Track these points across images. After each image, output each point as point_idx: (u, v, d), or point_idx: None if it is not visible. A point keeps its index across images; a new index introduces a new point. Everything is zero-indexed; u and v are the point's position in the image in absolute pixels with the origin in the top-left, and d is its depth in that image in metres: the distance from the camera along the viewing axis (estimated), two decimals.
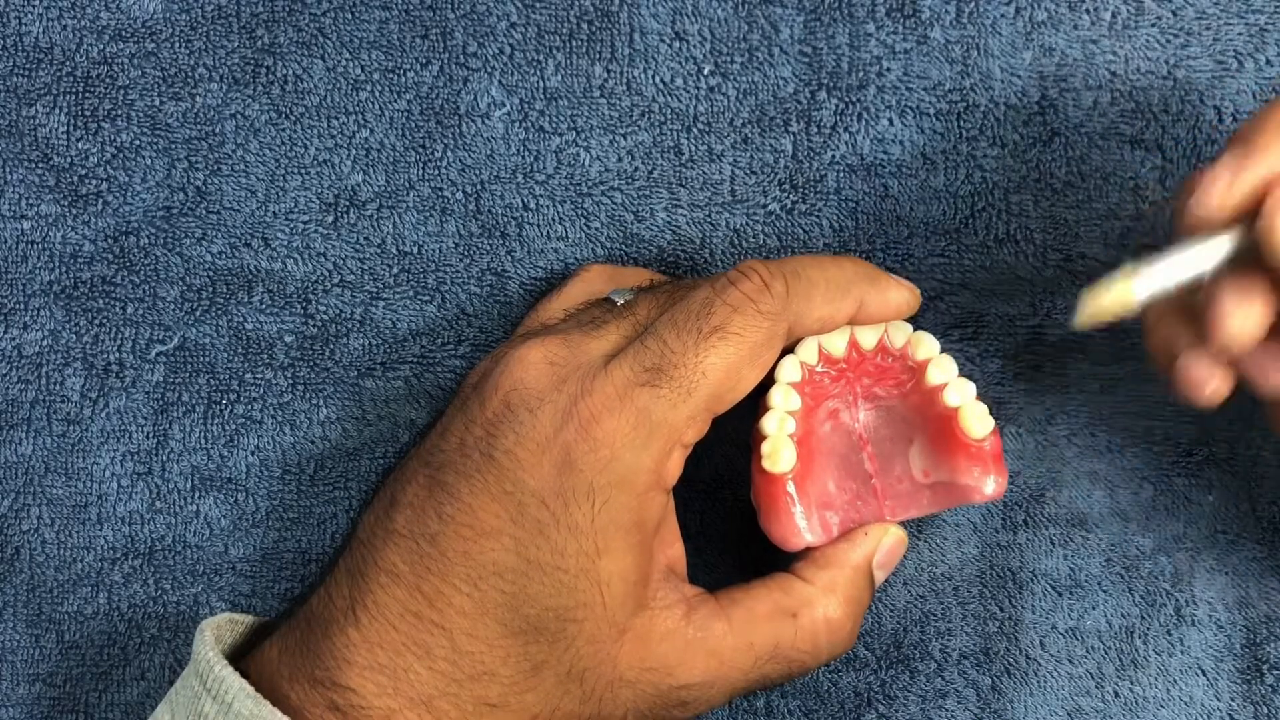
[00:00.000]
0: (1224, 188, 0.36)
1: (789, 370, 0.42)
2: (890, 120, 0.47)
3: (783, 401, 0.42)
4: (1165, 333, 0.40)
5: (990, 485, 0.42)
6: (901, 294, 0.42)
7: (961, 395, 0.42)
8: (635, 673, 0.39)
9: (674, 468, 0.39)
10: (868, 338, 0.43)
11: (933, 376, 0.42)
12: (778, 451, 0.42)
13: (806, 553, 0.43)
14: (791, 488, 0.42)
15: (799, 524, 0.42)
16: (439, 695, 0.38)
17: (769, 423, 0.42)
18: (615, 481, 0.38)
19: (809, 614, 0.41)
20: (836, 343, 0.43)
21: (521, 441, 0.38)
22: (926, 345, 0.43)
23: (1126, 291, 0.37)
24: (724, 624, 0.40)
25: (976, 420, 0.42)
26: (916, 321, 0.47)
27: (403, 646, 0.38)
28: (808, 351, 0.42)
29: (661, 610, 0.40)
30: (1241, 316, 0.36)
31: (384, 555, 0.39)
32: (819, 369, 0.43)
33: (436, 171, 0.48)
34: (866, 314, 0.42)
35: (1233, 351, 0.37)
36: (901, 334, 0.43)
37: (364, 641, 0.38)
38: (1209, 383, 0.38)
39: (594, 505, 0.38)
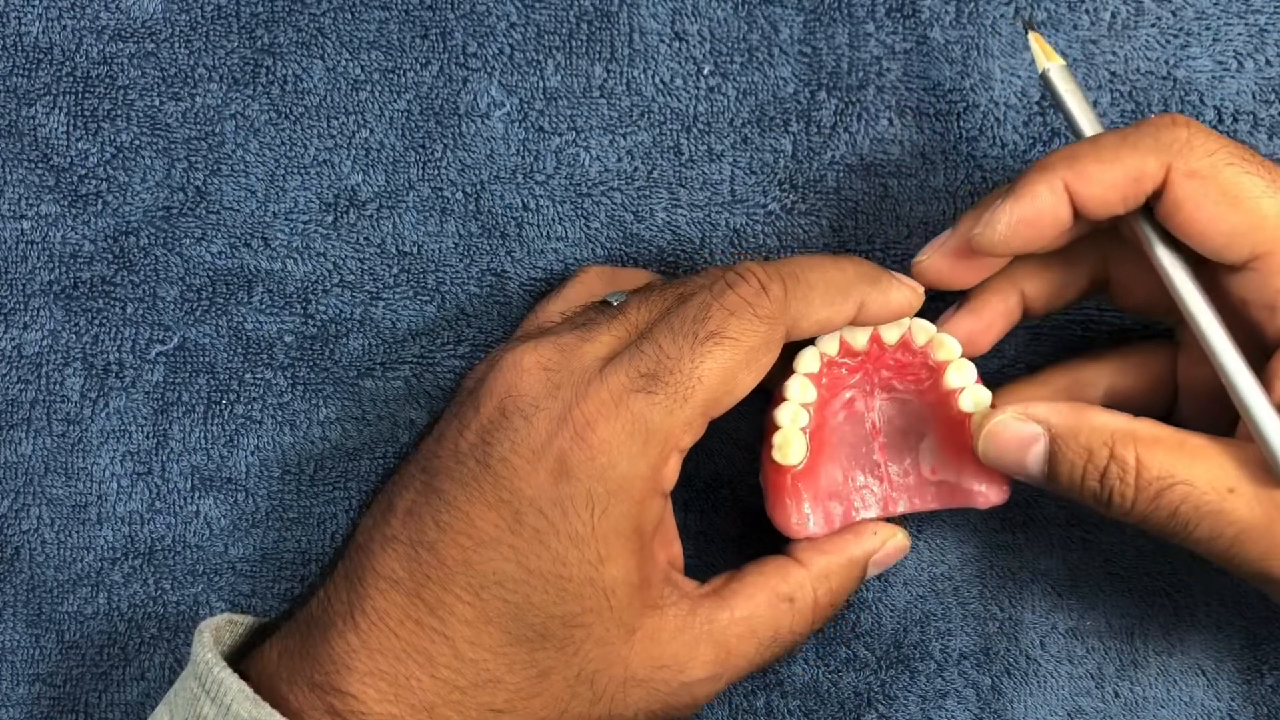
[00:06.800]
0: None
1: (808, 362, 0.42)
2: (890, 120, 0.47)
3: (798, 394, 0.42)
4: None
5: (995, 493, 0.42)
6: (904, 294, 0.42)
7: (976, 402, 0.42)
8: (648, 671, 0.39)
9: (671, 472, 0.39)
10: (891, 333, 0.43)
11: (950, 380, 0.42)
12: (789, 444, 0.42)
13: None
14: (800, 480, 0.42)
15: (804, 514, 0.42)
16: (442, 703, 0.38)
17: (783, 414, 0.42)
18: (613, 489, 0.38)
19: (803, 598, 0.41)
20: (859, 337, 0.43)
21: (516, 449, 0.38)
22: (947, 348, 0.43)
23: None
24: (728, 614, 0.40)
25: None
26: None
27: (404, 653, 0.38)
28: (829, 344, 0.42)
29: (669, 608, 0.40)
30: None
31: (382, 561, 0.39)
32: (838, 359, 0.43)
33: (436, 171, 0.48)
34: (868, 315, 0.41)
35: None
36: (924, 333, 0.43)
37: (364, 647, 0.38)
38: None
39: (593, 513, 0.38)
